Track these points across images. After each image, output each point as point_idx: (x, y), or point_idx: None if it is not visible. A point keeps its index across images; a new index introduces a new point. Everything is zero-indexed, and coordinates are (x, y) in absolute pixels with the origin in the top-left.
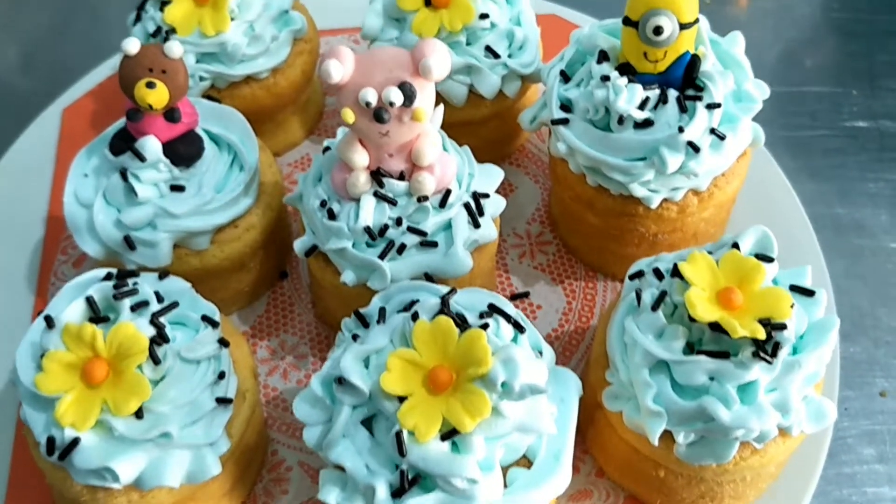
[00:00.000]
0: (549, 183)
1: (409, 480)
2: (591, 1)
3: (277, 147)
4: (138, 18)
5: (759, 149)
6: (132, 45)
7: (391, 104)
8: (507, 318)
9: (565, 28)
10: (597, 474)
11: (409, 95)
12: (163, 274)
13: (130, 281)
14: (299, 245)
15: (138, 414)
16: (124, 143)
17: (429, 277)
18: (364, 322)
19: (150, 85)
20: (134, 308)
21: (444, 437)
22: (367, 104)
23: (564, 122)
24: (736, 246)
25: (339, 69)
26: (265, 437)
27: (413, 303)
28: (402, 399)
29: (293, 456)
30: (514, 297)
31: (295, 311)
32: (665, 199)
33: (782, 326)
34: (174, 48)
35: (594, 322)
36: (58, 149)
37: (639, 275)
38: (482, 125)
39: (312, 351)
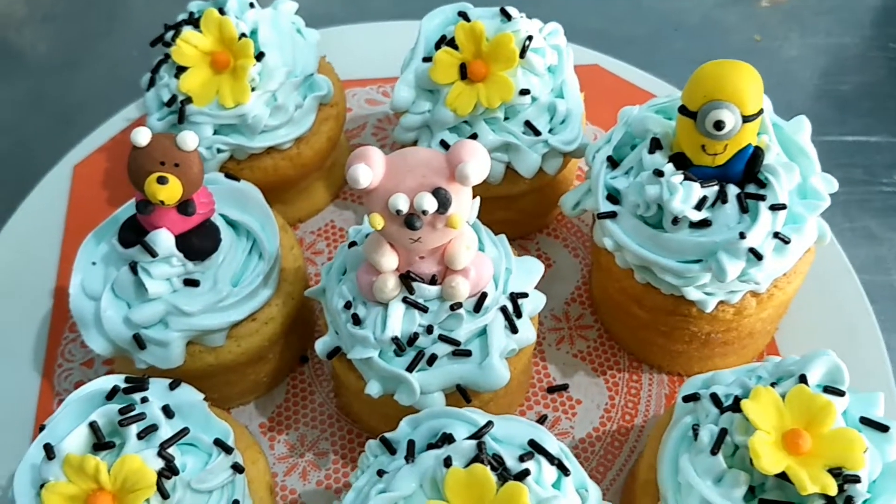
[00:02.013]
0: (589, 257)
1: None
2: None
3: (300, 213)
4: (152, 83)
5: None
6: (142, 137)
7: (424, 212)
8: (551, 459)
9: (606, 80)
10: None
11: (443, 202)
12: (174, 383)
13: (138, 397)
14: (321, 346)
15: None
16: (134, 235)
17: (461, 389)
18: (390, 448)
19: (161, 180)
20: (141, 435)
21: None
22: (398, 211)
23: (612, 215)
24: (803, 378)
25: (368, 174)
26: None
27: (445, 436)
28: None
29: None
30: (551, 390)
31: (316, 402)
32: (721, 301)
33: (856, 479)
34: (188, 140)
35: (638, 420)
36: (68, 210)
37: (693, 397)
38: (519, 199)
39: (334, 448)
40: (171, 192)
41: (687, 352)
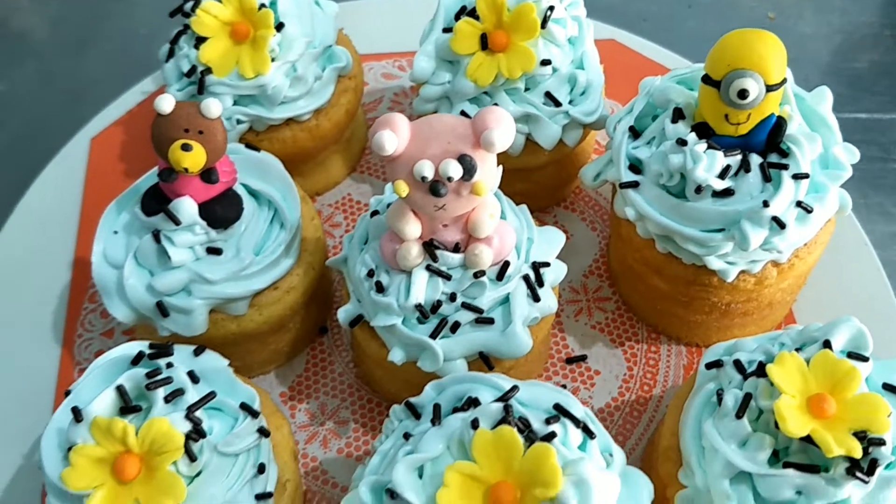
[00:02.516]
0: (607, 230)
1: None
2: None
3: (317, 186)
4: (171, 55)
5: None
6: (166, 104)
7: (449, 179)
8: (576, 422)
9: (624, 55)
10: None
11: (468, 169)
12: (199, 349)
13: (163, 362)
14: (343, 315)
15: None
16: (157, 204)
17: (484, 356)
18: (416, 413)
19: (185, 147)
20: (168, 398)
21: None
22: (423, 178)
23: (634, 185)
24: (827, 344)
25: (394, 141)
26: None
27: (470, 400)
28: None
29: None
30: (570, 361)
31: (336, 371)
32: (742, 271)
33: (880, 442)
34: (212, 107)
35: (657, 391)
36: (85, 183)
37: (717, 364)
38: (538, 171)
39: (354, 416)
40: (195, 159)
41: (706, 322)
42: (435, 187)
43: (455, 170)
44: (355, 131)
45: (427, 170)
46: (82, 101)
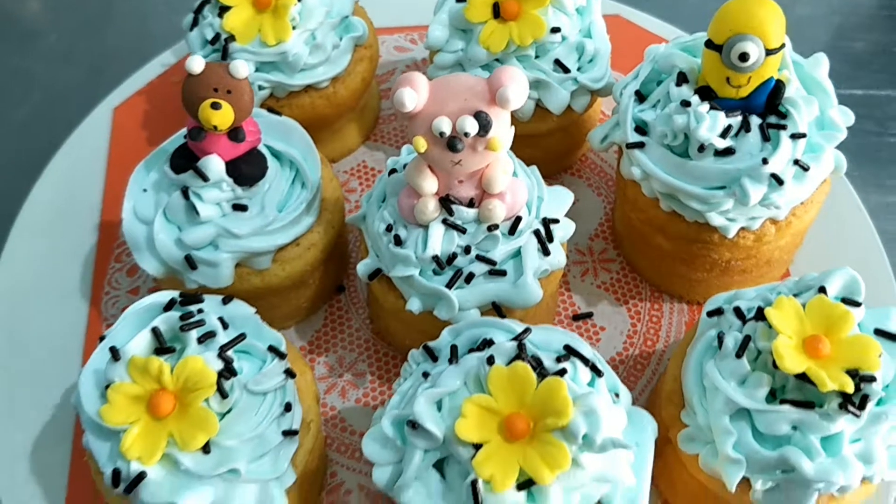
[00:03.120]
0: (611, 195)
1: None
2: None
3: (333, 154)
4: (195, 23)
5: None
6: (197, 64)
7: (466, 134)
8: (585, 361)
9: (629, 30)
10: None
11: (484, 125)
12: (227, 299)
13: (195, 308)
14: (363, 268)
15: (205, 449)
16: (186, 162)
17: (496, 306)
18: (433, 356)
19: (215, 106)
20: (201, 339)
21: (520, 487)
22: (441, 134)
23: (640, 145)
24: (823, 290)
25: (413, 98)
26: (325, 460)
27: (485, 341)
28: (476, 446)
29: (353, 479)
30: (576, 318)
31: (353, 327)
32: (742, 228)
33: (871, 378)
34: (240, 68)
35: (659, 346)
36: (109, 150)
37: (717, 312)
38: (546, 137)
39: (370, 368)
40: (223, 117)
41: (707, 280)
42: (452, 143)
43: (472, 125)
44: (369, 101)
45: (445, 125)
46: (103, 75)
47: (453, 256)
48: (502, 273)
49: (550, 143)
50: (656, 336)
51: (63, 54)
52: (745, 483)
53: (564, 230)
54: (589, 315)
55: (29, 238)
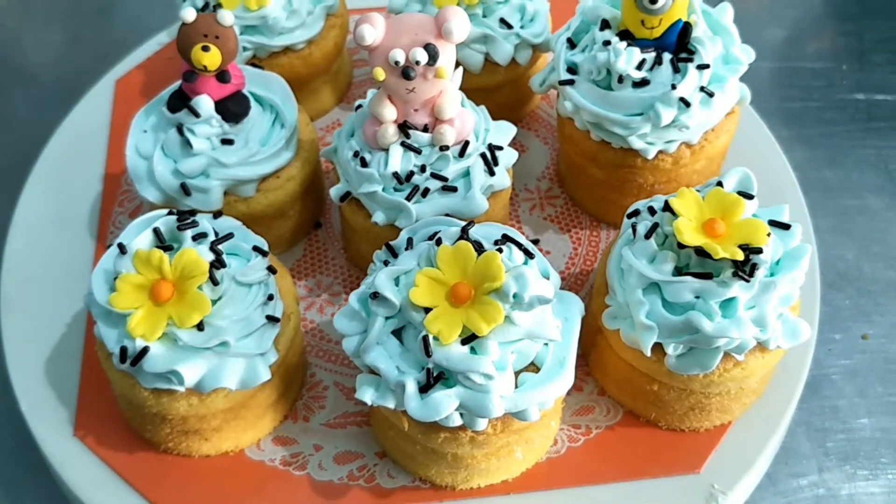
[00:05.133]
0: (557, 144)
1: (434, 377)
2: None
3: (311, 113)
4: None
5: (752, 117)
6: (189, 14)
7: (417, 63)
8: (519, 245)
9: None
10: (599, 393)
11: (432, 55)
12: (216, 214)
13: (192, 218)
14: (335, 192)
15: (200, 327)
16: (180, 102)
17: (449, 217)
18: (393, 252)
19: (205, 48)
20: (195, 238)
21: (464, 342)
22: (396, 63)
23: (570, 83)
24: (720, 184)
25: (372, 32)
26: (305, 361)
27: (437, 233)
28: (427, 310)
29: (329, 377)
30: None
31: (329, 256)
32: (661, 151)
33: (759, 251)
34: (226, 16)
35: (597, 265)
36: (112, 115)
37: (636, 213)
38: (497, 91)
39: (345, 289)
40: (212, 58)
41: None
42: (406, 72)
43: (422, 55)
44: (342, 66)
45: (399, 56)
46: (106, 64)
47: (411, 174)
48: (454, 189)
49: (501, 97)
50: (594, 257)
51: (68, 47)
52: (660, 351)
53: (508, 157)
54: (536, 241)
55: (42, 187)
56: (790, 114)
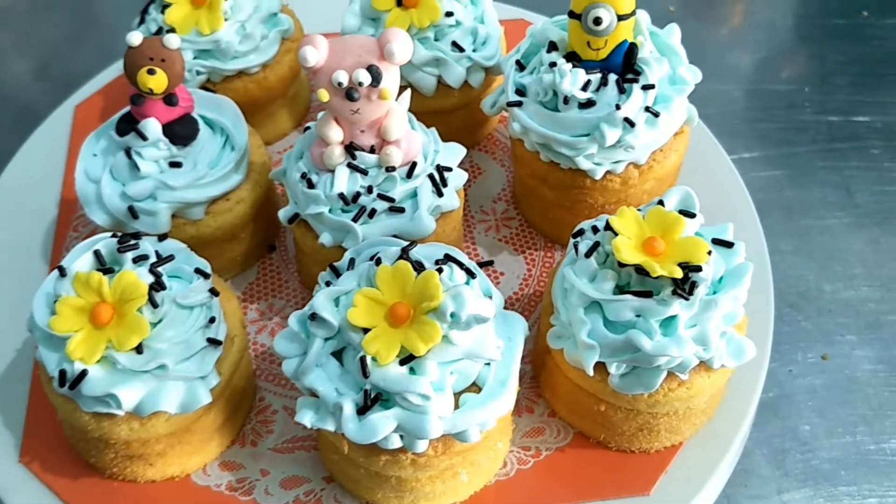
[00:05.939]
0: (512, 167)
1: (372, 399)
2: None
3: (268, 137)
4: (142, 21)
5: (707, 137)
6: (135, 38)
7: (360, 84)
8: (461, 265)
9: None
10: (549, 415)
11: (375, 76)
12: (162, 237)
13: (133, 241)
14: (283, 213)
15: (138, 349)
16: (128, 125)
17: (397, 238)
18: (337, 273)
19: (150, 72)
20: (136, 260)
21: (402, 363)
22: (340, 84)
23: (518, 104)
24: (661, 203)
25: (315, 54)
26: (253, 385)
27: (377, 255)
28: (366, 331)
29: (279, 401)
30: (480, 265)
31: (283, 279)
32: (608, 172)
33: (698, 269)
34: (172, 40)
35: (548, 286)
36: (70, 139)
37: (580, 233)
38: (452, 114)
39: None
40: (158, 81)
41: None
42: (350, 93)
43: (365, 76)
44: (300, 90)
45: (343, 77)
46: (72, 91)
47: (357, 195)
48: (401, 210)
49: (456, 120)
50: (548, 278)
51: (34, 75)
52: (604, 370)
53: (457, 178)
54: (490, 262)
55: (2, 209)
56: (754, 135)
